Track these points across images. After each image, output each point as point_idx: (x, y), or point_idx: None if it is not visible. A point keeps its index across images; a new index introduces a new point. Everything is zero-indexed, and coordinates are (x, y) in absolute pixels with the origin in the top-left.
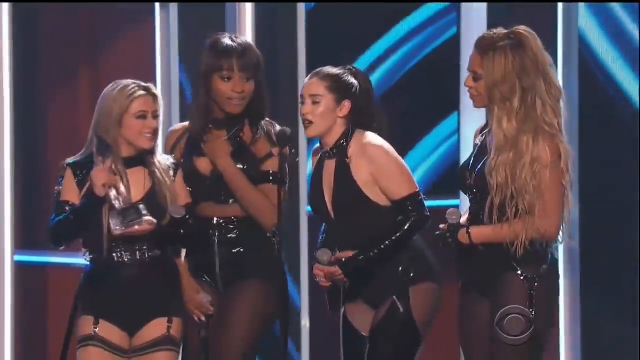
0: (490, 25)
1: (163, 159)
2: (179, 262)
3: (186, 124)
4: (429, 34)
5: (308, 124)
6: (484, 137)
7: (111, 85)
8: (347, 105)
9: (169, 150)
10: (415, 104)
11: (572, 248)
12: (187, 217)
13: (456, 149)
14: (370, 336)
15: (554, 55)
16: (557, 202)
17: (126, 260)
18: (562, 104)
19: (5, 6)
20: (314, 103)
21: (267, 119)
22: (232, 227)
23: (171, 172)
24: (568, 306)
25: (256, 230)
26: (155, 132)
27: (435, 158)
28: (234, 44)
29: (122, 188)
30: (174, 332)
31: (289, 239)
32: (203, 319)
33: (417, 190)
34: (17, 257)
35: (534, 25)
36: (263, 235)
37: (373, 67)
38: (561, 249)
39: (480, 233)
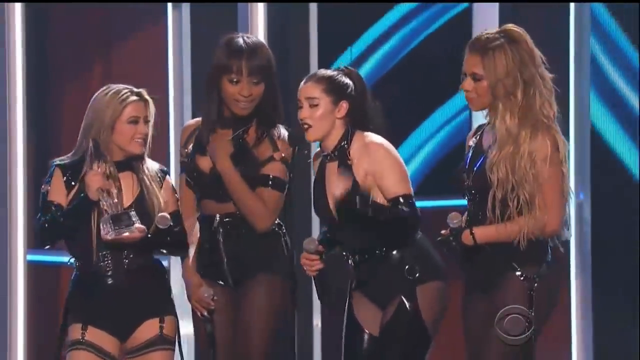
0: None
1: (152, 165)
2: (186, 261)
3: (200, 119)
4: (440, 7)
5: (307, 127)
6: (478, 137)
7: (103, 89)
8: (344, 105)
9: (182, 145)
10: (425, 78)
11: (584, 249)
12: (172, 225)
13: (467, 124)
14: (380, 336)
15: (566, 53)
16: (557, 196)
17: (112, 270)
18: (554, 95)
19: (18, 5)
20: (312, 106)
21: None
22: (235, 223)
23: (158, 179)
24: (579, 306)
25: None
26: (146, 138)
27: (445, 133)
28: (244, 46)
29: (115, 194)
30: (167, 331)
31: (300, 239)
32: (205, 313)
33: (411, 192)
34: (30, 257)
35: (544, 22)
36: (269, 231)
37: (380, 41)
38: (572, 249)
39: (484, 233)
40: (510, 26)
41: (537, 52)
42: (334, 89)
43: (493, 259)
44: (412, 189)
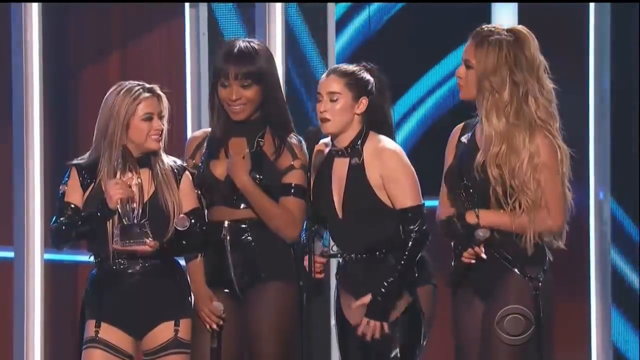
0: None
1: (169, 161)
2: (194, 268)
3: (207, 129)
4: None
5: (325, 121)
6: (471, 135)
7: (114, 87)
8: (364, 102)
9: (189, 155)
10: None
11: (604, 249)
12: (193, 221)
13: None
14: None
15: (586, 50)
16: (559, 197)
17: (129, 269)
18: (555, 106)
19: (35, 3)
20: (332, 100)
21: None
22: (243, 230)
23: (175, 176)
24: (599, 306)
25: (269, 232)
26: (161, 133)
27: None
28: (236, 50)
29: (135, 204)
30: (183, 335)
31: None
32: (215, 327)
33: (421, 203)
34: (47, 256)
35: (564, 25)
36: (276, 237)
37: (421, 100)
38: (592, 248)
39: (489, 215)
40: (519, 27)
41: (540, 60)
42: (356, 85)
43: (496, 259)
44: (422, 199)
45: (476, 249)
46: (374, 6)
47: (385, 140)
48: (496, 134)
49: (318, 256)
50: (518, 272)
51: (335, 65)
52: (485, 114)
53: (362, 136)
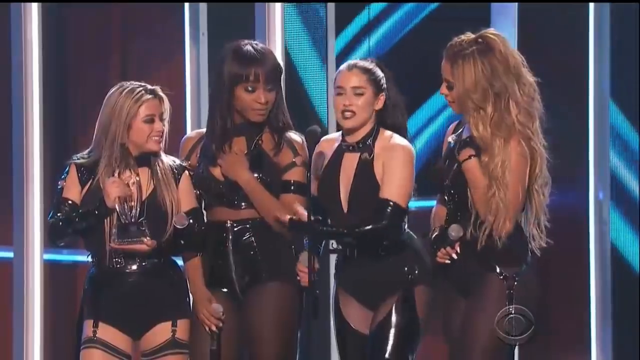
0: None
1: (168, 161)
2: (192, 269)
3: (201, 130)
4: None
5: (350, 114)
6: (457, 136)
7: (116, 88)
8: (382, 98)
9: (184, 157)
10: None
11: (604, 248)
12: (192, 221)
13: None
14: (374, 335)
15: (586, 49)
16: (511, 204)
17: (127, 268)
18: (537, 101)
19: (35, 3)
20: (356, 95)
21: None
22: (245, 230)
23: (175, 175)
24: (599, 305)
25: (271, 233)
26: (162, 135)
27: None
28: (257, 54)
29: (133, 202)
30: (180, 335)
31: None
32: (214, 329)
33: (403, 206)
34: (47, 256)
35: (564, 25)
36: (278, 238)
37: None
38: (592, 248)
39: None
40: (488, 32)
41: (515, 57)
42: (375, 81)
43: (472, 258)
44: (406, 205)
45: (448, 249)
46: None
47: (398, 137)
48: (483, 144)
49: (302, 266)
50: (494, 271)
51: (354, 60)
52: (474, 128)
53: (373, 133)
